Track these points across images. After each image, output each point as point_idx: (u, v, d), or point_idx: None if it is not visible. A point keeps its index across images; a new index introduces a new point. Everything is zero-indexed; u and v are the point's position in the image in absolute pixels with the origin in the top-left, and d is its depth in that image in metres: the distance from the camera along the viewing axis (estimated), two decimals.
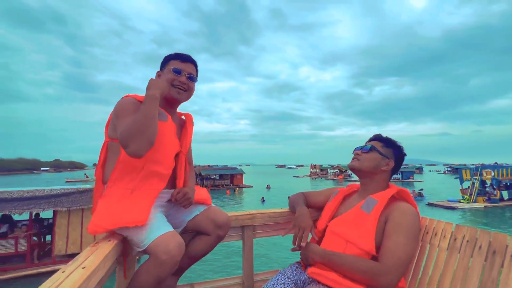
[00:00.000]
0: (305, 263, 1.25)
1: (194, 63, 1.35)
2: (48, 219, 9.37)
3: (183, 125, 1.41)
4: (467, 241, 1.06)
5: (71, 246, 8.35)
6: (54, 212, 8.35)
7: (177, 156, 1.31)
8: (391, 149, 1.30)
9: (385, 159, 1.27)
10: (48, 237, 9.12)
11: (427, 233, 1.22)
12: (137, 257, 1.38)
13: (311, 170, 73.97)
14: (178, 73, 1.27)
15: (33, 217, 9.01)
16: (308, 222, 1.29)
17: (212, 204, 1.44)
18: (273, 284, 1.15)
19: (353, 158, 1.32)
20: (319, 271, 1.12)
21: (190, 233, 1.41)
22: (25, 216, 8.36)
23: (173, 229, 1.12)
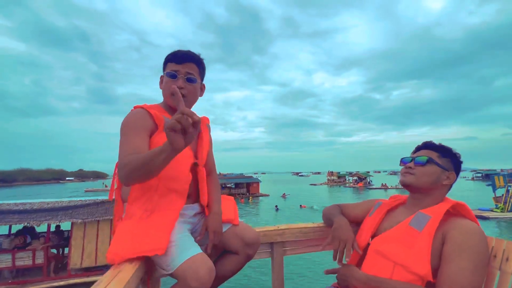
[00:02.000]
0: None
1: (194, 60, 1.15)
2: (68, 231, 9.33)
3: (199, 133, 1.25)
4: None
5: (86, 259, 8.10)
6: (72, 224, 8.28)
7: (194, 168, 1.18)
8: (449, 158, 1.07)
9: (445, 172, 1.05)
10: (67, 250, 9.09)
11: (495, 256, 0.99)
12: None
13: (328, 177, 72.10)
14: (174, 77, 1.11)
15: (53, 229, 9.04)
16: (350, 234, 1.11)
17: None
18: None
19: (405, 172, 1.08)
20: None
21: (217, 251, 1.26)
22: (45, 228, 8.34)
23: (201, 251, 1.01)
